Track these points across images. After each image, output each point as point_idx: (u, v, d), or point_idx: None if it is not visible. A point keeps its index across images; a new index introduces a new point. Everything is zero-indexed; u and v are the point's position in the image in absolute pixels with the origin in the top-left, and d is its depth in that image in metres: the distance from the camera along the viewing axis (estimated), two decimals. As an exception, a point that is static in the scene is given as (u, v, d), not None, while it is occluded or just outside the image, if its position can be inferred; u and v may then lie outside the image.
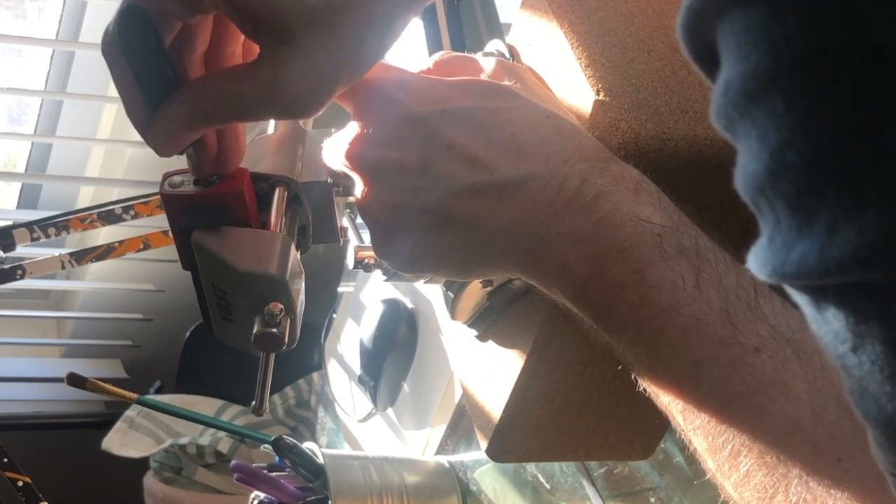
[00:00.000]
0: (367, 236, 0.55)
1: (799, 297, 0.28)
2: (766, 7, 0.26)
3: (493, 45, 0.61)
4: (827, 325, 0.28)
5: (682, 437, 0.45)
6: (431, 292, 1.02)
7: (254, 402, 0.54)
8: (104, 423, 1.63)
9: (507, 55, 0.59)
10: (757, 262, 0.28)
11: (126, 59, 0.47)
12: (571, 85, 0.54)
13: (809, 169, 0.26)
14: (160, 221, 0.80)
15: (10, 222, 1.04)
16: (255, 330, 0.50)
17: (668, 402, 0.44)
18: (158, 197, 0.74)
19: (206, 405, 1.57)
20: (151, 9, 0.46)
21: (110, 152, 1.86)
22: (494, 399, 0.62)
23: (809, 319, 0.29)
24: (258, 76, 0.46)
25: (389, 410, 1.12)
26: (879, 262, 0.25)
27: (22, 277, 1.03)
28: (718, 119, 0.28)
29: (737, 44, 0.27)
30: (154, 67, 0.48)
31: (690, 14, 0.28)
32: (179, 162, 0.53)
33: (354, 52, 0.46)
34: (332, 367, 1.29)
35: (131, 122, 0.49)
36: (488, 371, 0.63)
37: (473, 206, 0.48)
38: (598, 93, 0.52)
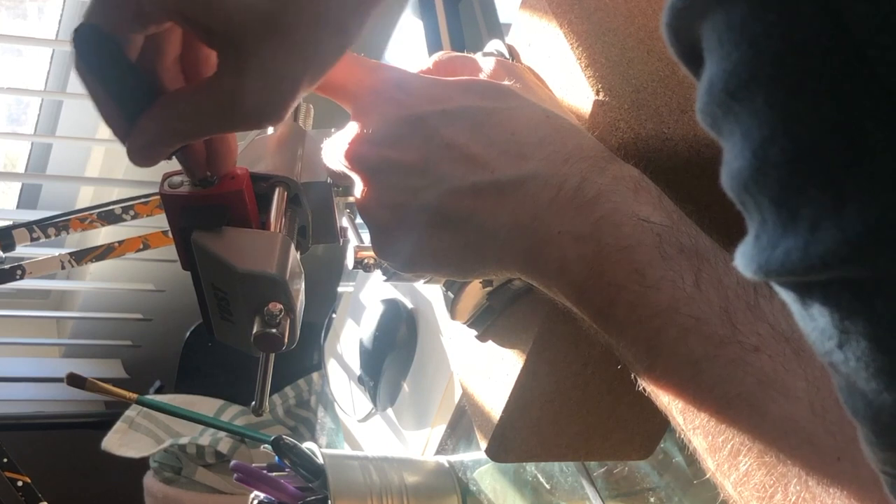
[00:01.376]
0: (367, 236, 0.55)
1: (786, 295, 0.28)
2: (747, 5, 0.26)
3: (493, 45, 0.61)
4: (813, 322, 0.28)
5: (682, 436, 0.45)
6: (431, 292, 1.02)
7: (254, 402, 0.54)
8: (104, 423, 1.63)
9: (507, 55, 0.59)
10: (743, 259, 0.28)
11: (92, 75, 0.46)
12: (571, 85, 0.54)
13: (792, 166, 0.26)
14: (160, 221, 0.80)
15: (10, 222, 1.04)
16: (254, 330, 0.50)
17: (668, 402, 0.44)
18: (158, 197, 0.74)
19: (206, 405, 1.57)
20: (105, 25, 0.45)
21: (110, 152, 1.86)
22: (494, 399, 0.62)
23: (796, 317, 0.28)
24: (217, 88, 0.45)
25: (389, 410, 1.12)
26: (862, 257, 0.25)
27: (22, 277, 1.02)
28: (704, 117, 0.28)
29: (719, 42, 0.27)
30: (124, 80, 0.47)
31: (674, 12, 0.29)
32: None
33: (310, 56, 0.45)
34: (332, 367, 1.29)
35: (113, 134, 0.49)
36: (488, 371, 0.63)
37: (473, 206, 0.48)
38: (597, 93, 0.52)
